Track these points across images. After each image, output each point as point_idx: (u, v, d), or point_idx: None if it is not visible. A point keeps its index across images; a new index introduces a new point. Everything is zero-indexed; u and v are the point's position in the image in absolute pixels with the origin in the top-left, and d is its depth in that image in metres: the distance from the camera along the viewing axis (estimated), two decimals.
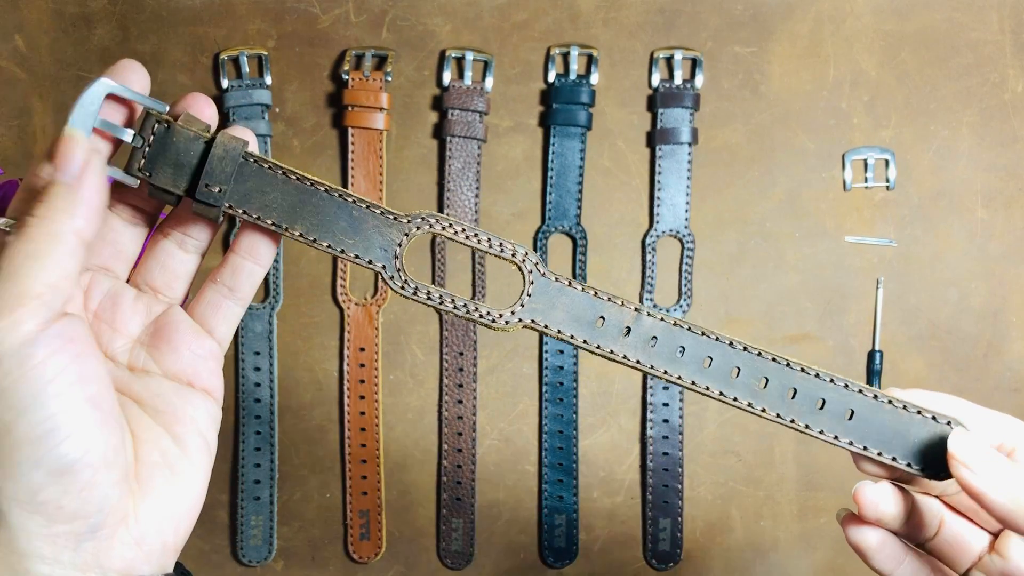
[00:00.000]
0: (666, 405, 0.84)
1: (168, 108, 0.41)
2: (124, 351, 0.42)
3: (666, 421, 0.85)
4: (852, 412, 0.44)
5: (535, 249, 0.85)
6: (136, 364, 0.42)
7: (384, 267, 0.43)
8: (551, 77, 0.84)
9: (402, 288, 0.43)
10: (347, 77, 0.83)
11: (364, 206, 0.42)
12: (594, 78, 0.84)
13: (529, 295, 0.44)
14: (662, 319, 0.44)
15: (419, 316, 0.85)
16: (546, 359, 0.85)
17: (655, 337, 0.44)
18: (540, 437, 0.85)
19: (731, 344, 0.44)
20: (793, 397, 0.44)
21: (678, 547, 0.85)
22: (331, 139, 0.85)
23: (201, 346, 0.43)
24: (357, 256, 0.42)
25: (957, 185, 0.84)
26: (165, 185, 0.41)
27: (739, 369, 0.44)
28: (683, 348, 0.44)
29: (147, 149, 0.41)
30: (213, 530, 0.86)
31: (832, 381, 0.44)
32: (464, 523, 0.85)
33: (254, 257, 0.43)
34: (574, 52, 0.84)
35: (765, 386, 0.44)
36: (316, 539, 0.86)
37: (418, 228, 0.43)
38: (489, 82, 0.84)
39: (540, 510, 0.85)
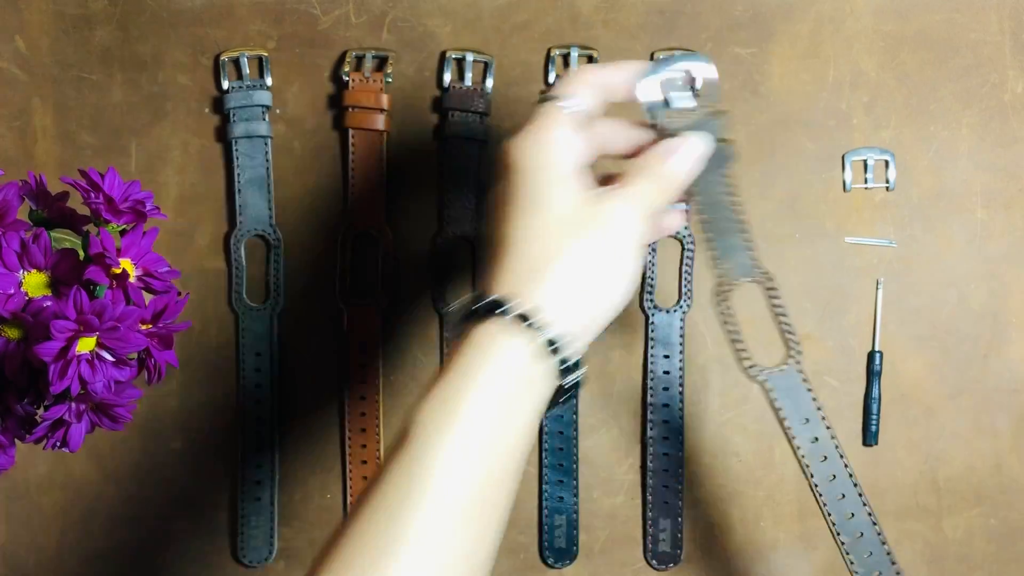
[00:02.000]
0: (666, 406, 0.84)
1: None
2: None
3: (666, 422, 0.85)
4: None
5: None
6: None
7: None
8: (552, 78, 0.84)
9: None
10: (347, 78, 0.83)
11: None
12: None
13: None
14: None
15: (420, 317, 0.85)
16: None
17: None
18: (540, 437, 0.85)
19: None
20: None
21: (678, 548, 0.85)
22: (332, 140, 0.85)
23: None
24: None
25: (957, 186, 0.84)
26: None
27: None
28: None
29: None
30: (213, 531, 0.86)
31: None
32: None
33: None
34: (574, 53, 0.84)
35: None
36: (317, 540, 0.86)
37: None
38: (490, 83, 0.84)
39: (540, 510, 0.85)
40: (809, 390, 0.64)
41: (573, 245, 0.54)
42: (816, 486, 0.47)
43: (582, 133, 0.57)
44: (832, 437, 0.60)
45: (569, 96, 0.58)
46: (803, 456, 0.53)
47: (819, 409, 0.62)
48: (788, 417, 0.58)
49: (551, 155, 0.56)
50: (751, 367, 0.60)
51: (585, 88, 0.58)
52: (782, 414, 0.60)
